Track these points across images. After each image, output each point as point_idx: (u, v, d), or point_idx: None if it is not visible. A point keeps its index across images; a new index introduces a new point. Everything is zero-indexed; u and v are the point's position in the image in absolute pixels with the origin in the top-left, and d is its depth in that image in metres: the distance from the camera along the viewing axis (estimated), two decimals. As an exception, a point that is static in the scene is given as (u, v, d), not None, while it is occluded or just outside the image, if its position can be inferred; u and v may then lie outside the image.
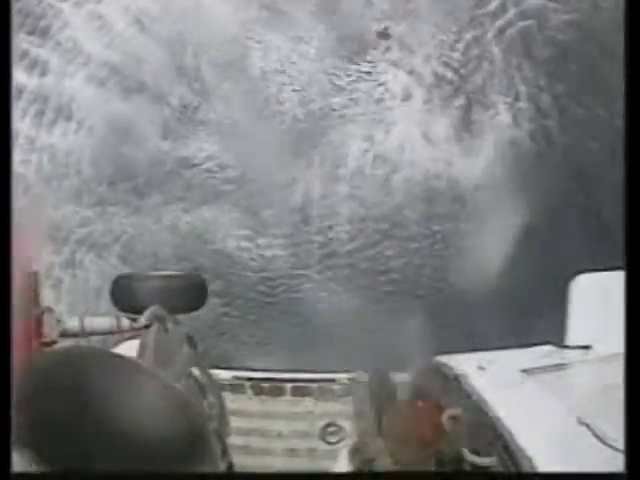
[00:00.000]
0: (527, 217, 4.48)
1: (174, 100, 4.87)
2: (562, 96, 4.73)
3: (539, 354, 2.06)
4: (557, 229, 4.49)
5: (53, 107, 4.80)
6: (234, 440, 2.66)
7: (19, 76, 4.74)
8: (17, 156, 4.57)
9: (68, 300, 4.45)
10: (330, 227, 4.64)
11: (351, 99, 4.90)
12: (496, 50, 4.81)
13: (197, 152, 4.83)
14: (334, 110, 4.86)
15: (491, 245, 4.45)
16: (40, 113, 4.79)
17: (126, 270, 4.52)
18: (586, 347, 2.05)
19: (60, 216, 4.62)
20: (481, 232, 4.53)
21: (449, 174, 4.65)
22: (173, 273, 3.52)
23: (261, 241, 4.66)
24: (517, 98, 4.74)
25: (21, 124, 4.70)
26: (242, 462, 2.47)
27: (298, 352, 4.17)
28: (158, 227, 4.67)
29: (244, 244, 4.62)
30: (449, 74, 4.85)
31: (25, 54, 4.85)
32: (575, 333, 2.13)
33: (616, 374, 1.38)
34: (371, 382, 2.42)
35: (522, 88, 4.75)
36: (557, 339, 2.12)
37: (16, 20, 4.69)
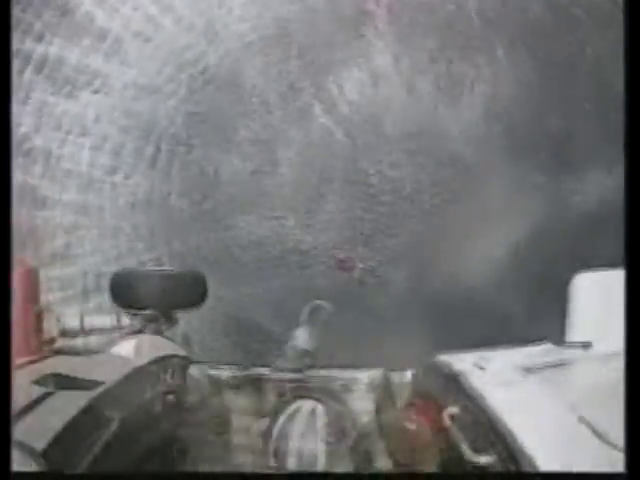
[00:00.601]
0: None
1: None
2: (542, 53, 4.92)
3: (539, 352, 2.06)
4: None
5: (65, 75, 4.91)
6: (234, 439, 2.66)
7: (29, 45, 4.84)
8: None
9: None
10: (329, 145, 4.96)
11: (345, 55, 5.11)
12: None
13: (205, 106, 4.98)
14: (330, 65, 5.09)
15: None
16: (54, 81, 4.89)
17: (137, 210, 4.76)
18: (586, 345, 2.05)
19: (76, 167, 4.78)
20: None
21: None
22: (173, 271, 3.52)
23: (267, 168, 4.92)
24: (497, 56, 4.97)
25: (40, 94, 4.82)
26: (242, 461, 2.47)
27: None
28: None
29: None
30: (433, 35, 5.06)
31: (31, 25, 4.92)
32: (575, 331, 2.13)
33: (617, 372, 1.38)
34: (371, 381, 2.42)
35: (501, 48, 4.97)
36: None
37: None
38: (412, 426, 1.96)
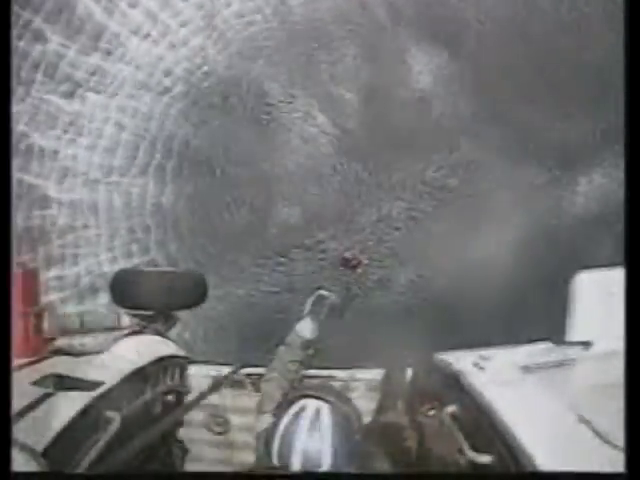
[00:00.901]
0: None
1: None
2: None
3: (539, 352, 2.06)
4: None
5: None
6: (234, 437, 2.66)
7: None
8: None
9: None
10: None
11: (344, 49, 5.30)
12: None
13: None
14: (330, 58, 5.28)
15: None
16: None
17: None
18: (586, 344, 2.05)
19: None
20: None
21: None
22: (173, 271, 3.51)
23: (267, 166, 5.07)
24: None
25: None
26: (242, 460, 2.47)
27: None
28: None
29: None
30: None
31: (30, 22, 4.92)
32: (576, 330, 2.12)
33: (616, 371, 1.37)
34: (372, 381, 2.41)
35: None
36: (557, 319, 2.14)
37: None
38: (412, 425, 1.96)
